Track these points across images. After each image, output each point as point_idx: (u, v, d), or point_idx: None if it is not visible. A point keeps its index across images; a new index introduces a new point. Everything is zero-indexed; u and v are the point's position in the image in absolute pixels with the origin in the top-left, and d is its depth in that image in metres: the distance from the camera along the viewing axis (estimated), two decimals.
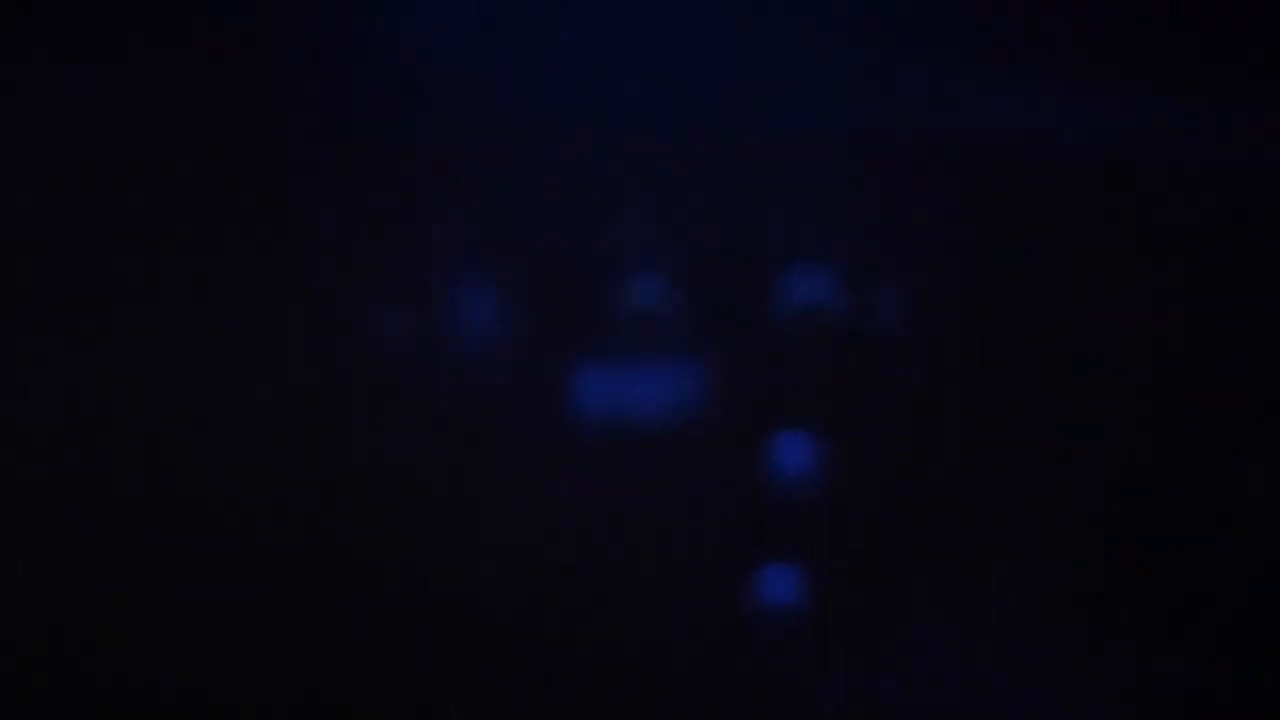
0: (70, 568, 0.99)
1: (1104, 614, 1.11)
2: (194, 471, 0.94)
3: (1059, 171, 0.89)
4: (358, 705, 1.06)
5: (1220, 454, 0.99)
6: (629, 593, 1.04)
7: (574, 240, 0.87)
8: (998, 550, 1.05)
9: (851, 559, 1.03)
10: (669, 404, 0.94)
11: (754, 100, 0.85)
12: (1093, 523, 1.04)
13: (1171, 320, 0.95)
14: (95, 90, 0.82)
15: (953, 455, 0.99)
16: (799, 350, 0.92)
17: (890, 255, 0.89)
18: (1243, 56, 0.87)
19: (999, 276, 0.92)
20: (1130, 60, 0.88)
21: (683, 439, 0.95)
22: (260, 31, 0.83)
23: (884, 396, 0.95)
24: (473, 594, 1.02)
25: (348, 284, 0.87)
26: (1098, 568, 1.07)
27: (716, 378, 0.94)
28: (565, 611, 1.04)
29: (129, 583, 0.98)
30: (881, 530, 1.02)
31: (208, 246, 0.87)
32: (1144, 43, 0.88)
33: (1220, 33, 0.87)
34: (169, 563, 0.98)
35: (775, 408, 0.95)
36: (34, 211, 0.85)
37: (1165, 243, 0.91)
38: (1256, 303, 0.93)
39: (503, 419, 0.94)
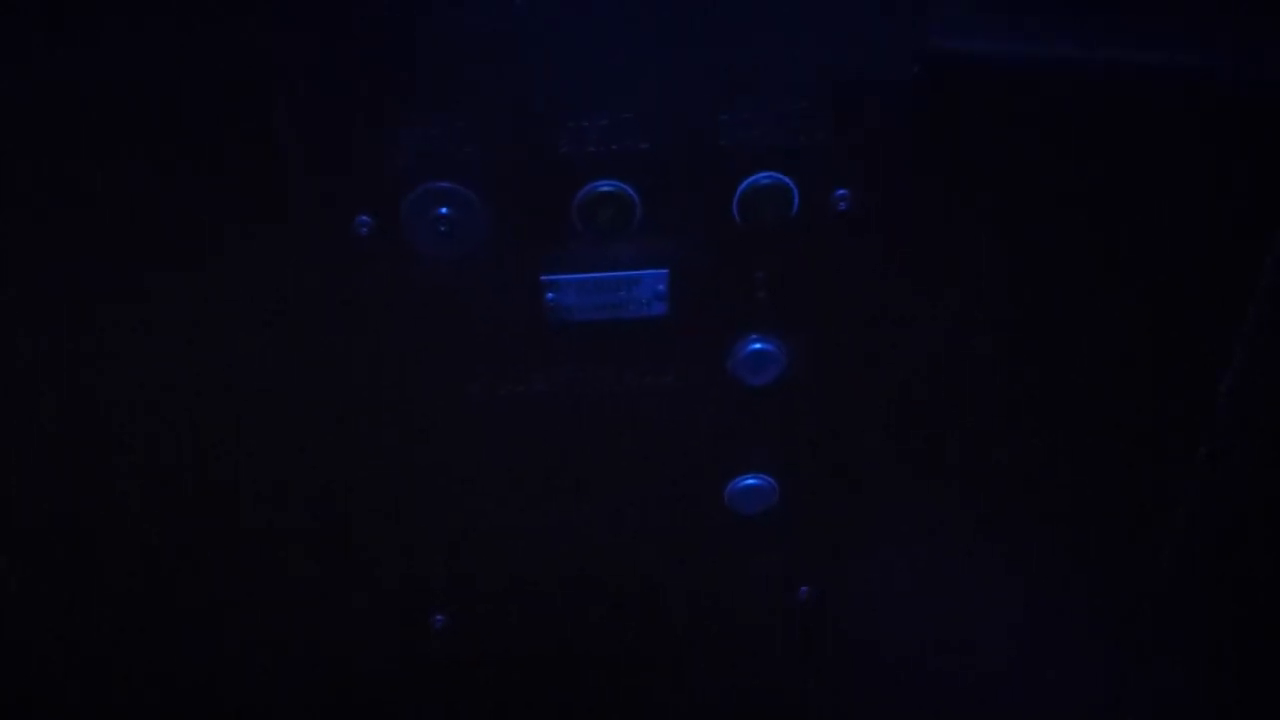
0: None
1: (1065, 511, 1.12)
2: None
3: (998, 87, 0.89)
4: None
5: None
6: (603, 489, 1.06)
7: (545, 142, 0.87)
8: (963, 439, 1.06)
9: (818, 451, 1.05)
10: (637, 301, 0.95)
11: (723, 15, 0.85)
12: (1052, 411, 1.05)
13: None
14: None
15: (918, 350, 1.01)
16: (759, 247, 0.93)
17: (847, 158, 0.89)
18: None
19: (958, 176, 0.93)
20: None
21: (652, 334, 0.96)
22: None
23: (844, 292, 0.96)
24: (459, 486, 1.05)
25: (334, 187, 0.88)
26: (1059, 458, 1.08)
27: (682, 276, 0.94)
28: (543, 512, 1.07)
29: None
30: (846, 423, 1.03)
31: (200, 163, 0.88)
32: None
33: None
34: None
35: (735, 304, 0.96)
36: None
37: (1085, 149, 0.92)
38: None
39: (479, 316, 0.95)
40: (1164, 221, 0.95)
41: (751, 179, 0.89)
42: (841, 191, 0.90)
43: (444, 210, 0.89)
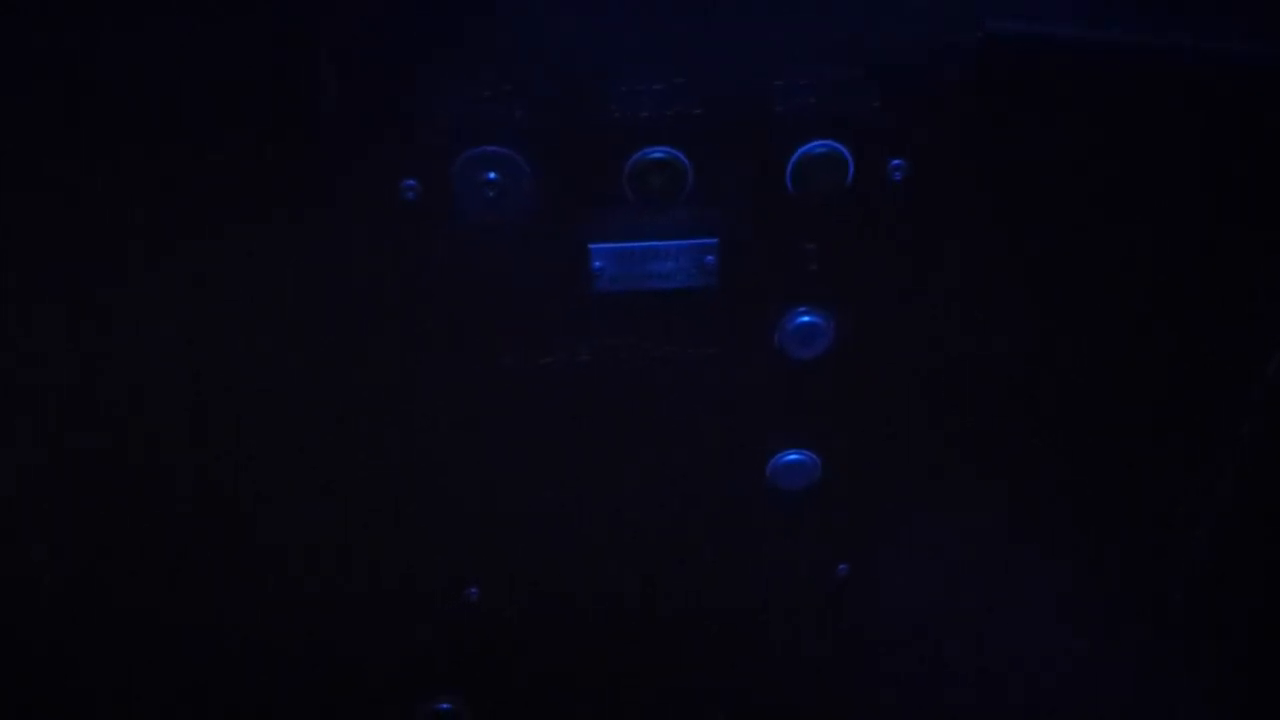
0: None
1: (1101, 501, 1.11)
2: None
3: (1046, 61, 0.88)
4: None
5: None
6: (645, 460, 1.05)
7: (597, 107, 0.86)
8: (1010, 421, 1.05)
9: (863, 427, 1.04)
10: (682, 271, 0.93)
11: None
12: (1103, 397, 1.03)
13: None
14: None
15: (962, 329, 0.99)
16: (811, 217, 0.92)
17: (903, 127, 0.88)
18: None
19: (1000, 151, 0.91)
20: None
21: (699, 304, 0.95)
22: None
23: (896, 265, 0.95)
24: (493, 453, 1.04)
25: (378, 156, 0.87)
26: (1108, 445, 1.06)
27: (731, 246, 0.92)
28: (584, 483, 1.05)
29: None
30: (892, 399, 1.02)
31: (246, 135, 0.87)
32: None
33: None
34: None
35: (785, 275, 0.94)
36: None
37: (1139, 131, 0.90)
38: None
39: (524, 283, 0.94)
40: (1218, 211, 0.94)
41: (805, 147, 0.88)
42: (897, 161, 0.89)
43: (492, 175, 0.87)
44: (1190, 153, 0.91)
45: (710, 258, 0.93)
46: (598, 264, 0.92)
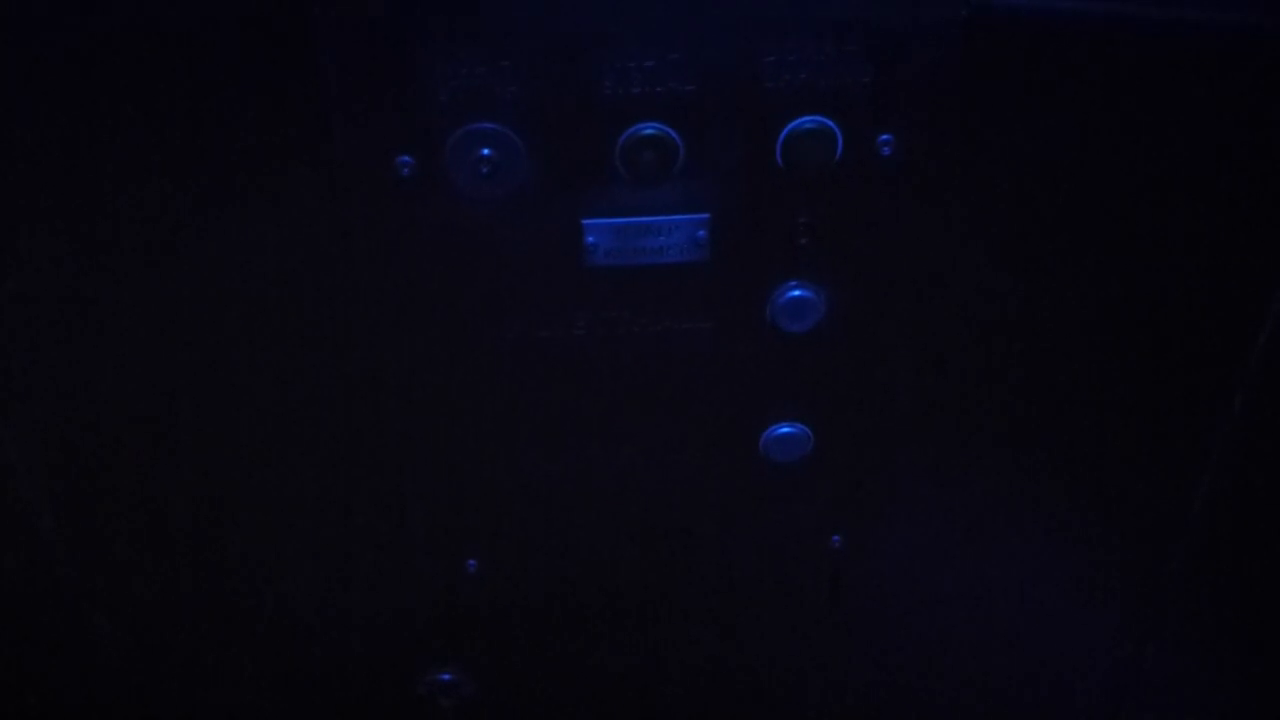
0: None
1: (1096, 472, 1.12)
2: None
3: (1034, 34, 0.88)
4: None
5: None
6: (639, 434, 1.06)
7: (590, 83, 0.86)
8: (999, 394, 1.06)
9: (855, 400, 1.05)
10: (675, 246, 0.94)
11: None
12: (1090, 371, 1.04)
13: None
14: None
15: (950, 308, 0.99)
16: (802, 192, 0.92)
17: (891, 102, 0.88)
18: None
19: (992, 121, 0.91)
20: None
21: (691, 279, 0.96)
22: None
23: (886, 239, 0.95)
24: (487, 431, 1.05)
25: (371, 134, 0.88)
26: (1096, 419, 1.07)
27: (723, 221, 0.93)
28: (578, 456, 1.07)
29: None
30: (883, 373, 1.03)
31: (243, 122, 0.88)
32: None
33: None
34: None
35: (776, 249, 0.95)
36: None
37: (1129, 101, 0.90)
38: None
39: (518, 258, 0.95)
40: (1212, 183, 0.94)
41: (795, 123, 0.88)
42: (886, 136, 0.89)
43: (486, 152, 0.88)
44: (1185, 125, 0.91)
45: (702, 233, 0.93)
46: (591, 239, 0.93)
